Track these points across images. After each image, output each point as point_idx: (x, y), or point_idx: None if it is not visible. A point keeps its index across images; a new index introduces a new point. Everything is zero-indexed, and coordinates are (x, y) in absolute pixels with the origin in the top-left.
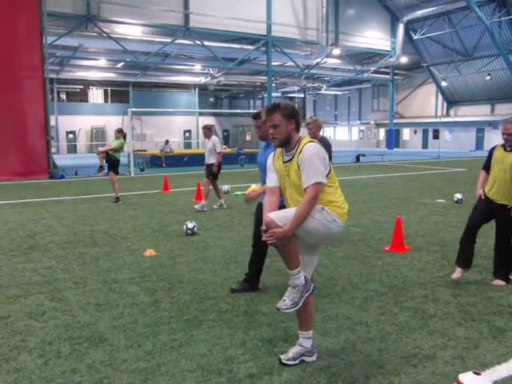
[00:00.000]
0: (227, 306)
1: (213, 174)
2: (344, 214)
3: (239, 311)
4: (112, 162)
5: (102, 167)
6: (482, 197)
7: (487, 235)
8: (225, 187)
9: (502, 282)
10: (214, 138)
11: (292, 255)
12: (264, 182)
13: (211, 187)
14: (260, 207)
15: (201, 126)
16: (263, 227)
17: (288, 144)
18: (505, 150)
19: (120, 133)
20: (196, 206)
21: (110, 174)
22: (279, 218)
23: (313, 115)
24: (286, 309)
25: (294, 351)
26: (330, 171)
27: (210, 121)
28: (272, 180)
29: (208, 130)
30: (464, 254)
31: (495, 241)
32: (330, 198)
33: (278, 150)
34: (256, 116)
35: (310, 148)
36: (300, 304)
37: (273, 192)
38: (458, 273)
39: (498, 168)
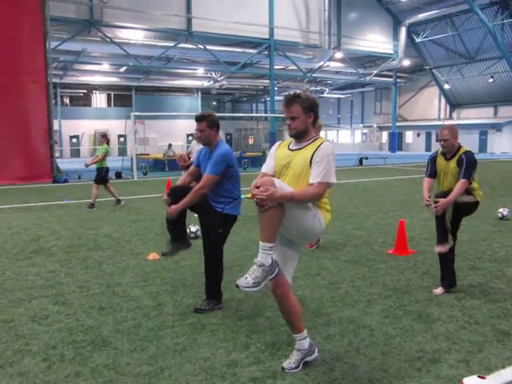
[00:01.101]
0: (230, 309)
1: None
2: (328, 217)
3: (242, 315)
4: (100, 173)
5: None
6: (428, 200)
7: (491, 238)
8: None
9: (442, 290)
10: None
11: (270, 225)
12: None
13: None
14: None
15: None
16: (256, 183)
17: (303, 137)
18: (445, 159)
19: (104, 137)
20: None
21: (107, 185)
22: (278, 182)
23: None
24: (247, 287)
25: (294, 359)
26: None
27: None
28: (267, 167)
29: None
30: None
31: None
32: (325, 202)
33: (287, 140)
34: (199, 118)
35: (329, 147)
36: (261, 285)
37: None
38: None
39: (448, 180)
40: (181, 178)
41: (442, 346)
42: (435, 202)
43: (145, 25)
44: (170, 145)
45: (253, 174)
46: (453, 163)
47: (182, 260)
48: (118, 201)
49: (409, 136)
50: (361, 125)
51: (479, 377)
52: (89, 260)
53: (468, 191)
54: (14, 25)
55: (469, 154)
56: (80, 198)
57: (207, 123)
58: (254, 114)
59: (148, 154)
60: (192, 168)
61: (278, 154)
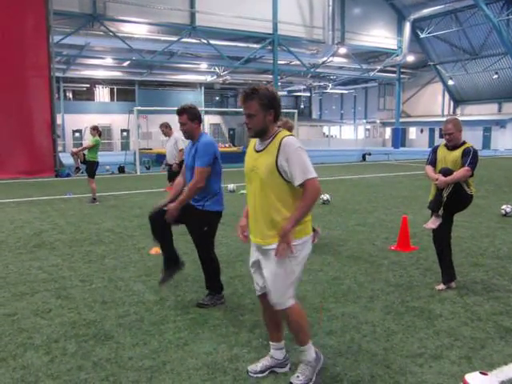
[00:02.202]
0: (232, 304)
1: (173, 175)
2: (310, 227)
3: (245, 310)
4: (88, 165)
5: (78, 168)
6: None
7: (494, 235)
8: (230, 186)
9: (443, 286)
10: (175, 134)
11: (298, 328)
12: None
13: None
14: (186, 208)
15: (207, 124)
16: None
17: (263, 135)
18: (448, 148)
19: (95, 130)
20: None
21: (89, 181)
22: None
23: (282, 117)
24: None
25: (263, 364)
26: None
27: (216, 119)
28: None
29: (166, 128)
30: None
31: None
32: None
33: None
34: (180, 112)
35: (292, 141)
36: (313, 380)
37: None
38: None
39: (445, 165)
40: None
41: (444, 342)
42: (437, 179)
43: (148, 19)
44: None
45: None
46: (457, 152)
47: (185, 255)
48: (94, 199)
49: (412, 132)
50: (364, 120)
51: (481, 373)
52: (91, 254)
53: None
54: (17, 19)
55: (474, 148)
56: (83, 192)
57: (188, 116)
58: None
59: (151, 149)
60: (184, 168)
61: (247, 155)
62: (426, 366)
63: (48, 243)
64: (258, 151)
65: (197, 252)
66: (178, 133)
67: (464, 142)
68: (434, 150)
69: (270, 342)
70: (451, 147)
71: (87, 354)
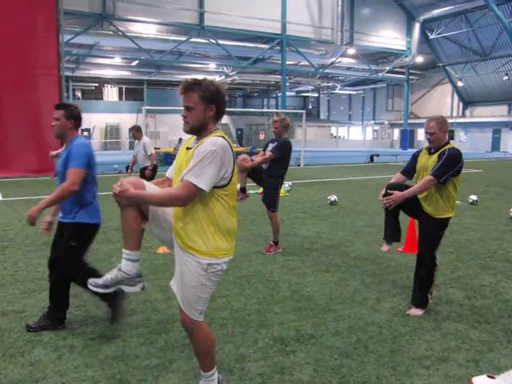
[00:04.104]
0: (239, 304)
1: (148, 180)
2: (231, 249)
3: (251, 310)
4: None
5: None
6: (380, 197)
7: (503, 237)
8: (238, 186)
9: (420, 311)
10: (144, 139)
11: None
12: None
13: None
14: (59, 228)
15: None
16: (122, 180)
17: (200, 133)
18: (429, 153)
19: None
20: None
21: None
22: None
23: (280, 113)
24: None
25: (107, 277)
26: (228, 182)
27: (224, 119)
28: (169, 171)
29: (137, 132)
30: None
31: (417, 259)
32: (217, 220)
33: (192, 137)
34: (57, 106)
35: (214, 143)
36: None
37: (163, 182)
38: (386, 247)
39: (424, 176)
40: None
41: (451, 344)
42: (388, 194)
43: (157, 19)
44: (180, 139)
45: None
46: (434, 157)
47: None
48: None
49: (420, 133)
50: (372, 121)
51: (489, 376)
52: (99, 253)
53: (444, 202)
54: (27, 18)
55: (453, 150)
56: None
57: (65, 113)
58: (265, 110)
59: (159, 148)
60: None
61: (178, 154)
62: (432, 369)
63: None
64: (188, 149)
65: (53, 267)
66: (147, 137)
67: (446, 144)
68: (414, 156)
69: (123, 250)
70: (433, 151)
71: (94, 352)
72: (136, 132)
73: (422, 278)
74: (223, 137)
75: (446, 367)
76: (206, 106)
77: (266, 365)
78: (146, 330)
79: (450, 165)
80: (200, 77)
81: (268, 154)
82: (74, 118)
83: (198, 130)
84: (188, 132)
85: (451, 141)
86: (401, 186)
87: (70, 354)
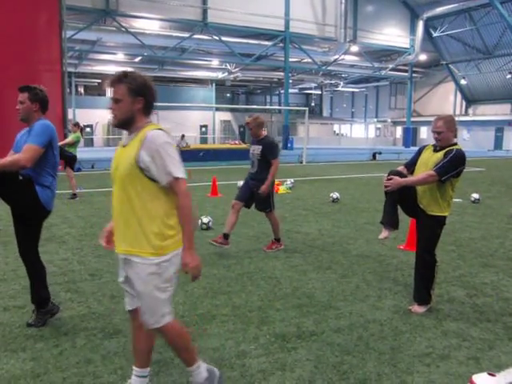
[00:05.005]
0: (241, 300)
1: None
2: (178, 241)
3: (252, 306)
4: (67, 158)
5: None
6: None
7: (504, 236)
8: (240, 183)
9: (422, 309)
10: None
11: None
12: None
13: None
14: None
15: (217, 121)
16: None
17: (129, 126)
18: (434, 150)
19: (76, 126)
20: None
21: (67, 170)
22: None
23: (253, 114)
24: None
25: None
26: None
27: (226, 116)
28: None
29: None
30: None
31: (416, 257)
32: (161, 215)
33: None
34: (22, 89)
35: (159, 135)
36: None
37: None
38: (385, 233)
39: (422, 171)
40: None
41: (452, 342)
42: (389, 179)
43: (160, 15)
44: (182, 136)
45: None
46: (439, 154)
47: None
48: (74, 195)
49: (423, 131)
50: (375, 119)
51: (489, 374)
52: (101, 249)
53: (439, 200)
54: (30, 14)
55: (461, 151)
56: (93, 187)
57: (29, 95)
58: (267, 107)
59: None
60: None
61: (115, 153)
62: (433, 366)
63: (58, 237)
64: (123, 147)
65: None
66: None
67: (454, 144)
68: (420, 151)
69: (133, 367)
70: (439, 149)
71: (96, 348)
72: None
73: (423, 275)
74: (161, 129)
75: (447, 365)
76: (134, 99)
77: (267, 361)
78: None
79: (454, 165)
80: (196, 73)
81: (274, 162)
82: (39, 100)
83: (126, 123)
84: (116, 125)
85: (454, 139)
86: (402, 174)
87: (71, 349)
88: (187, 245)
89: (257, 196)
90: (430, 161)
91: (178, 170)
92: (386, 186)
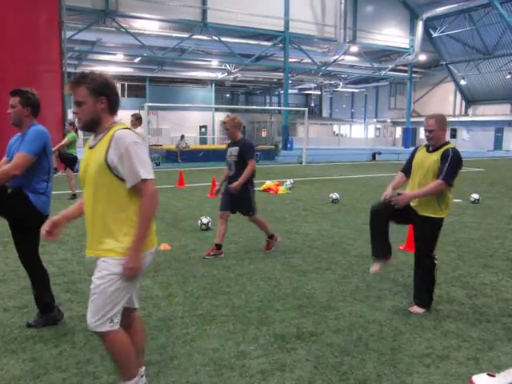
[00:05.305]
0: (240, 301)
1: None
2: (152, 241)
3: (252, 307)
4: (68, 160)
5: (55, 169)
6: (387, 197)
7: (504, 236)
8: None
9: (421, 309)
10: (139, 129)
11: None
12: None
13: None
14: None
15: (217, 121)
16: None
17: (96, 127)
18: (427, 150)
19: (71, 126)
20: None
21: (67, 170)
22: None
23: (229, 115)
24: None
25: None
26: None
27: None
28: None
29: (136, 120)
30: (377, 242)
31: (415, 261)
32: (131, 215)
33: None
34: (13, 93)
35: (128, 134)
36: None
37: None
38: (376, 266)
39: (419, 173)
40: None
41: (452, 343)
42: (397, 194)
43: (160, 15)
44: (182, 136)
45: (265, 167)
46: (435, 155)
47: (193, 251)
48: (74, 195)
49: (423, 132)
50: (374, 120)
51: (489, 375)
52: None
53: (438, 201)
54: (30, 14)
55: (456, 151)
56: None
57: (21, 99)
58: (267, 107)
59: (161, 145)
60: None
61: (84, 156)
62: (433, 367)
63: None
64: (91, 148)
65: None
66: (140, 128)
67: (446, 143)
68: (413, 153)
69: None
70: (432, 149)
71: (95, 348)
72: (135, 120)
73: (423, 278)
74: (128, 128)
75: (447, 365)
76: (96, 99)
77: (266, 362)
78: (146, 327)
79: (456, 166)
80: (195, 74)
81: (250, 163)
82: (31, 105)
83: (92, 124)
84: (83, 128)
85: (452, 139)
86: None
87: (71, 349)
88: (134, 245)
89: (236, 198)
90: (425, 162)
91: (146, 170)
92: (394, 203)
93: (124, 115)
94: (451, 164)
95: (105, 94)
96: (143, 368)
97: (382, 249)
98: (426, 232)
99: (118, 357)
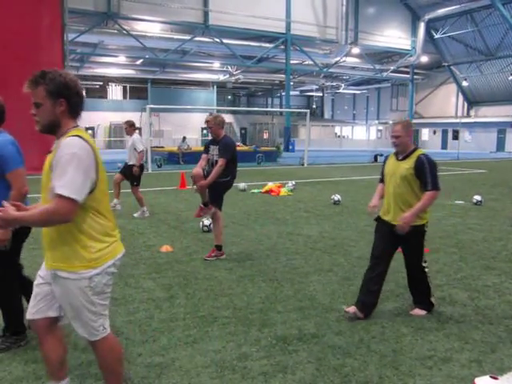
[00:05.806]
0: (242, 303)
1: (135, 179)
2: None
3: (254, 309)
4: None
5: None
6: (375, 209)
7: (507, 238)
8: (241, 185)
9: (423, 312)
10: (135, 135)
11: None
12: None
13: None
14: None
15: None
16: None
17: (55, 131)
18: (397, 159)
19: None
20: (135, 214)
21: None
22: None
23: (213, 112)
24: None
25: None
26: (95, 187)
27: (227, 118)
28: None
29: (129, 127)
30: (365, 292)
31: (407, 270)
32: (90, 232)
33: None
34: None
35: (72, 144)
36: None
37: None
38: (353, 308)
39: (392, 182)
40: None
41: (454, 345)
42: (379, 218)
43: (161, 17)
44: (184, 138)
45: (266, 169)
46: (406, 164)
47: (195, 253)
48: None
49: (425, 133)
50: (376, 121)
51: (491, 377)
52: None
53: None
54: (32, 16)
55: (428, 156)
56: None
57: None
58: (269, 109)
59: (163, 147)
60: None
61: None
62: (435, 369)
63: None
64: (49, 152)
65: None
66: (136, 134)
67: (415, 149)
68: (384, 162)
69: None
70: (401, 156)
71: None
72: (129, 127)
73: (417, 289)
74: (80, 136)
75: (449, 367)
76: (54, 101)
77: (268, 363)
78: (148, 328)
79: (435, 170)
80: (197, 76)
81: (220, 161)
82: None
83: (51, 128)
84: (41, 131)
85: (454, 141)
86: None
87: (73, 351)
88: (20, 216)
89: (209, 189)
90: (396, 171)
91: (66, 187)
92: (399, 231)
93: (126, 117)
94: (431, 171)
95: (64, 95)
96: (66, 379)
97: (366, 301)
98: (415, 245)
99: (109, 360)
